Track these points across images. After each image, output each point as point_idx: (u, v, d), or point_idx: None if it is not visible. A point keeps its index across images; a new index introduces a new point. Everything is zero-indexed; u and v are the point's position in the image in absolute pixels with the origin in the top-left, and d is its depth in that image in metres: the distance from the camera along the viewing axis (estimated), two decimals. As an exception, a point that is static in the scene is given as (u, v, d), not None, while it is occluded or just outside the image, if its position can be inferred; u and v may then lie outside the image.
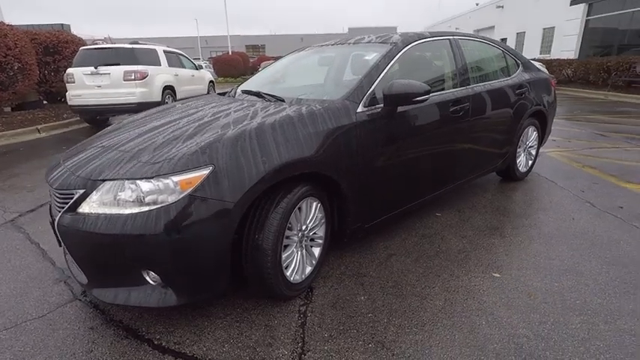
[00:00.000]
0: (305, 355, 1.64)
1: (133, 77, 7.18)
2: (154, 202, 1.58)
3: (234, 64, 27.09)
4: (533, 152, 3.85)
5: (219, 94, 2.99)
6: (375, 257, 2.42)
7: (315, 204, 2.06)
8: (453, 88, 2.78)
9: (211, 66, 26.46)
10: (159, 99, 7.62)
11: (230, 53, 30.42)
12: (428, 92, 2.16)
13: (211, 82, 11.24)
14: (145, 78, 7.32)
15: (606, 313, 1.84)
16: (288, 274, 1.93)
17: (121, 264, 1.65)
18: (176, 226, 1.56)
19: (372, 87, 2.24)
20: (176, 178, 1.60)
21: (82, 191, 1.68)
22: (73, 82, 7.24)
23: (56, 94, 10.24)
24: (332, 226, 2.29)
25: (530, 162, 3.86)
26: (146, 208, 1.57)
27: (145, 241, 1.55)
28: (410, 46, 2.56)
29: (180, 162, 1.63)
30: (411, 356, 1.62)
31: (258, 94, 2.57)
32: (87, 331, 1.85)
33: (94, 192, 1.66)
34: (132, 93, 7.18)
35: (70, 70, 7.26)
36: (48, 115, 8.73)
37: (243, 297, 2.04)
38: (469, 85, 2.88)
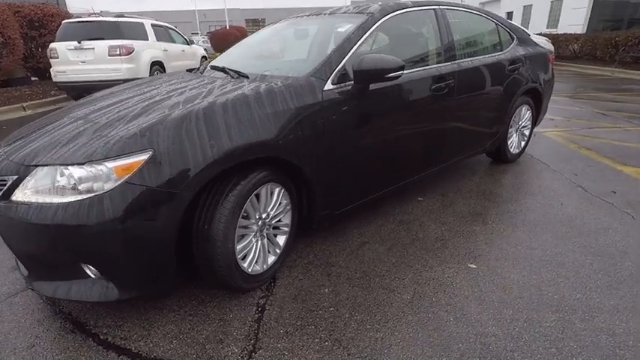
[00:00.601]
0: (255, 353, 1.54)
1: (118, 52, 6.91)
2: (89, 191, 1.44)
3: (231, 39, 26.40)
4: (527, 132, 3.66)
5: (188, 70, 2.80)
6: (346, 245, 2.29)
7: (277, 190, 1.91)
8: (437, 63, 2.56)
9: (209, 41, 25.81)
10: (147, 75, 7.36)
11: (227, 27, 29.62)
12: (402, 68, 1.96)
13: (204, 57, 10.90)
14: (130, 53, 7.05)
15: (584, 310, 1.72)
16: (245, 265, 1.80)
17: (58, 256, 1.53)
18: (112, 216, 1.41)
19: (343, 62, 2.04)
20: (110, 164, 1.44)
21: (14, 177, 1.53)
22: (57, 58, 6.99)
23: (44, 71, 9.96)
24: (300, 213, 2.15)
25: (522, 143, 3.67)
26: (79, 197, 1.43)
27: (77, 233, 1.42)
28: (388, 16, 2.34)
29: (115, 146, 1.47)
30: (368, 356, 1.51)
31: (223, 70, 2.37)
32: (33, 323, 1.75)
33: (28, 178, 1.52)
34: (117, 69, 6.93)
35: (52, 45, 6.99)
36: (35, 91, 8.51)
37: (201, 288, 1.92)
38: (455, 60, 2.66)
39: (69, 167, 1.45)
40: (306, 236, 2.36)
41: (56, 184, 1.47)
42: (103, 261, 1.49)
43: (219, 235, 1.62)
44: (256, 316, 1.74)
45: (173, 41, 8.95)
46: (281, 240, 2.06)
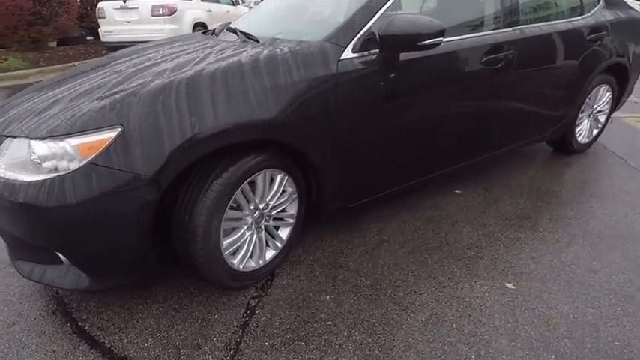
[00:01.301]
0: (232, 368, 1.34)
1: (160, 12, 6.81)
2: (53, 170, 1.26)
3: None
4: (602, 119, 3.02)
5: (203, 32, 2.52)
6: (361, 242, 2.00)
7: (279, 177, 1.64)
8: (494, 29, 2.07)
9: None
10: (188, 37, 7.23)
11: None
12: (441, 33, 1.55)
13: (250, 19, 10.56)
14: (173, 13, 6.93)
15: (656, 367, 1.31)
16: (234, 261, 1.58)
17: (30, 239, 1.40)
18: (73, 201, 1.23)
19: (369, 24, 1.65)
20: (73, 142, 1.24)
21: None
22: (104, 18, 7.06)
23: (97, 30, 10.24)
24: (310, 203, 1.87)
25: (595, 131, 3.05)
26: (42, 177, 1.25)
27: (40, 216, 1.26)
28: (435, -33, 1.88)
29: (79, 121, 1.26)
30: (361, 393, 1.25)
31: (235, 32, 2.07)
32: (20, 298, 1.67)
33: (1, 148, 1.37)
34: (160, 30, 6.84)
35: (100, 5, 7.04)
36: (88, 51, 8.76)
37: (192, 278, 1.74)
38: (517, 26, 2.13)
39: (31, 142, 1.27)
40: (318, 228, 2.09)
41: (24, 159, 1.30)
42: (68, 248, 1.33)
43: (199, 227, 1.39)
44: (243, 320, 1.53)
45: (217, 1, 8.70)
46: (284, 233, 1.81)
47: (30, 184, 1.25)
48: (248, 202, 1.56)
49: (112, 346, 1.44)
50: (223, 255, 1.50)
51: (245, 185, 1.50)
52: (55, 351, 1.42)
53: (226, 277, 1.55)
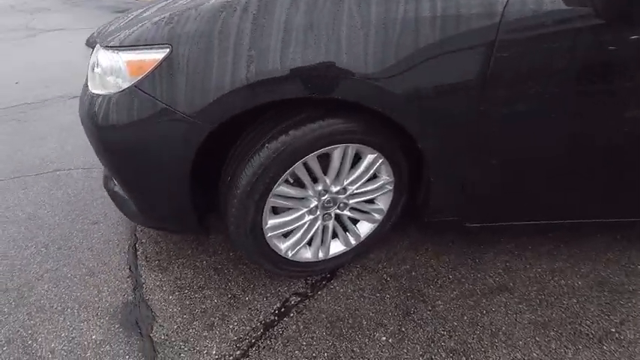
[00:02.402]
0: (227, 376, 1.08)
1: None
2: (113, 86, 1.11)
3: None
4: None
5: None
6: (470, 278, 1.38)
7: (370, 158, 1.17)
8: None
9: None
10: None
11: None
12: None
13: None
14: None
15: None
16: (282, 245, 1.25)
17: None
18: (115, 123, 1.07)
19: None
20: (124, 56, 1.04)
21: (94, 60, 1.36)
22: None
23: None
24: (412, 200, 1.36)
25: None
26: (101, 91, 1.12)
27: (92, 133, 1.15)
28: None
29: (134, 34, 1.04)
30: None
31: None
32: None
33: (97, 59, 1.32)
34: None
35: None
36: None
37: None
38: None
39: (99, 52, 1.14)
40: (417, 232, 1.56)
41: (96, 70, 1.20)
42: (114, 174, 1.22)
43: (236, 196, 1.08)
44: (270, 318, 1.24)
45: None
46: (363, 228, 1.37)
47: (92, 96, 1.14)
48: (315, 180, 1.17)
49: (144, 283, 1.37)
50: (265, 235, 1.19)
51: (312, 158, 1.09)
52: (106, 263, 1.44)
53: (265, 260, 1.25)
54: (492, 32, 0.92)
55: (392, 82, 0.95)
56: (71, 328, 1.21)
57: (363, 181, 1.23)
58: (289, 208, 1.20)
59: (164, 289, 1.34)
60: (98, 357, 1.13)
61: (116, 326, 1.22)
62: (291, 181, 1.16)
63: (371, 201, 1.33)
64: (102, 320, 1.24)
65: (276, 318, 1.24)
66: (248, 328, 1.21)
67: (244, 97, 0.96)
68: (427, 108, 1.00)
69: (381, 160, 1.20)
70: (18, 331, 1.20)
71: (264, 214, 1.13)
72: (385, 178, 1.26)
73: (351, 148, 1.12)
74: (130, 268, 1.42)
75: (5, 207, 1.76)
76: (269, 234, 1.19)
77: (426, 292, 1.33)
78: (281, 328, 1.21)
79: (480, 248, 1.50)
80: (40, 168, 2.06)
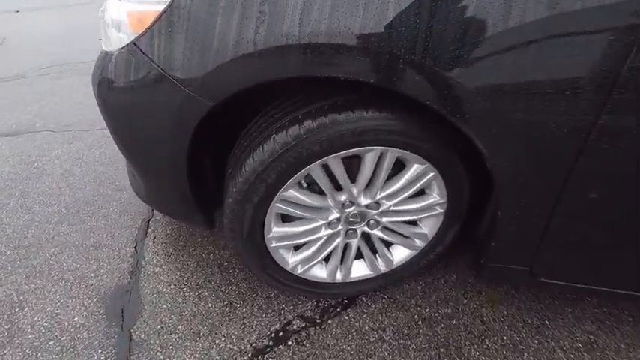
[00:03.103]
0: (194, 406, 0.89)
1: None
2: (116, 41, 0.95)
3: None
4: None
5: None
6: (531, 347, 1.03)
7: (418, 169, 0.87)
8: None
9: None
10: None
11: None
12: None
13: None
14: None
15: None
16: (290, 259, 1.01)
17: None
18: (113, 84, 0.91)
19: None
20: (126, 6, 0.86)
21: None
22: None
23: None
24: (468, 230, 1.04)
25: None
26: (106, 48, 0.97)
27: (96, 91, 1.01)
28: None
29: (138, -25, 0.85)
30: None
31: None
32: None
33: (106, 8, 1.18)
34: None
35: None
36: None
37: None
38: None
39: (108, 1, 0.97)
40: (467, 265, 1.22)
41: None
42: (116, 139, 1.07)
43: (231, 195, 0.86)
44: (263, 343, 1.03)
45: None
46: (399, 254, 1.08)
47: (101, 54, 0.99)
48: (338, 188, 0.90)
49: (143, 267, 1.24)
50: (268, 245, 0.96)
51: (334, 160, 0.82)
52: (114, 236, 1.35)
53: (265, 273, 1.02)
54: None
55: (465, 71, 0.64)
56: (58, 304, 1.12)
57: (404, 196, 0.94)
58: (300, 219, 0.96)
59: (161, 278, 1.20)
60: (72, 343, 1.02)
61: (101, 311, 1.10)
62: (305, 186, 0.91)
63: (413, 222, 1.04)
64: (90, 301, 1.13)
65: (270, 343, 1.02)
66: (235, 349, 1.01)
67: (250, 68, 0.73)
68: (510, 113, 0.67)
69: (432, 174, 0.89)
70: (11, 294, 1.15)
71: (266, 220, 0.90)
72: (435, 197, 0.95)
73: (391, 154, 0.83)
74: (135, 247, 1.31)
75: (48, 159, 1.77)
76: (273, 244, 0.96)
77: (466, 353, 1.01)
78: (272, 358, 0.99)
79: (554, 305, 1.13)
80: (93, 124, 2.07)
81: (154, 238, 1.34)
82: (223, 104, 0.80)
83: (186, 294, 1.15)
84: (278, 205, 0.87)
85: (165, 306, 1.12)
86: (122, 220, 1.41)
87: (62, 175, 1.66)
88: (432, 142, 0.82)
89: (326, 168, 0.84)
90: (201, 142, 0.90)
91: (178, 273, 1.22)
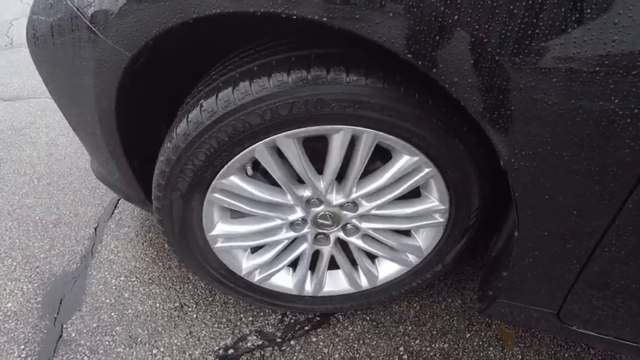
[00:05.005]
0: None
1: None
2: None
3: None
4: None
5: None
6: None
7: (409, 161, 0.64)
8: None
9: None
10: None
11: None
12: None
13: None
14: None
15: None
16: (245, 264, 0.81)
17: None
18: (36, 33, 0.74)
19: None
20: None
21: None
22: None
23: None
24: (476, 246, 0.79)
25: None
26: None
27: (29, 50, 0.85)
28: None
29: None
30: None
31: None
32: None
33: None
34: None
35: None
36: None
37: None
38: None
39: None
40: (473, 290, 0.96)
41: None
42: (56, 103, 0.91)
43: (154, 186, 0.67)
44: (215, 355, 0.84)
45: None
46: (385, 270, 0.86)
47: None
48: (297, 179, 0.68)
49: (97, 252, 1.09)
50: (211, 245, 0.76)
51: (286, 139, 0.60)
52: (77, 214, 1.21)
53: (211, 278, 0.83)
54: None
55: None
56: (-4, 285, 1.00)
57: (389, 197, 0.70)
58: (252, 216, 0.75)
59: (113, 267, 1.05)
60: (-3, 333, 0.89)
61: (38, 299, 0.97)
62: (250, 174, 0.69)
63: (404, 232, 0.80)
64: (29, 286, 1.00)
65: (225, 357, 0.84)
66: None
67: (164, 3, 0.52)
68: (540, 97, 0.42)
69: (427, 171, 0.65)
70: (-49, 269, 1.05)
71: (204, 214, 0.70)
72: (433, 202, 0.71)
73: (366, 137, 0.60)
74: (95, 228, 1.16)
75: (37, 126, 1.68)
76: (219, 243, 0.76)
77: (461, 407, 0.77)
78: (212, 382, 0.81)
79: (587, 355, 0.85)
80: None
81: (118, 220, 1.19)
82: (152, 57, 0.60)
83: (134, 289, 0.99)
84: (216, 195, 0.67)
85: (108, 301, 0.96)
86: (90, 198, 1.28)
87: (45, 144, 1.55)
88: (425, 124, 0.58)
89: (277, 150, 0.63)
90: (137, 107, 0.71)
91: (133, 263, 1.06)
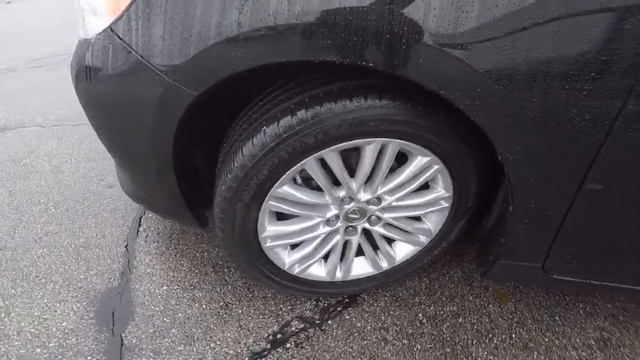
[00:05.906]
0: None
1: None
2: (93, 28, 0.88)
3: None
4: None
5: None
6: (541, 344, 0.98)
7: (422, 161, 0.81)
8: None
9: None
10: None
11: None
12: None
13: None
14: None
15: None
16: (287, 259, 0.96)
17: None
18: (90, 75, 0.84)
19: None
20: (101, -13, 0.79)
21: None
22: None
23: None
24: (476, 223, 0.98)
25: None
26: (83, 35, 0.90)
27: (75, 84, 0.94)
28: None
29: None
30: None
31: None
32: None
33: None
34: None
35: None
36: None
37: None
38: None
39: None
40: (473, 260, 1.17)
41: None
42: (100, 137, 1.01)
43: (220, 193, 0.80)
44: (258, 347, 0.98)
45: None
46: (401, 251, 1.03)
47: (78, 43, 0.92)
48: (335, 183, 0.84)
49: (135, 267, 1.19)
50: (262, 245, 0.90)
51: (330, 153, 0.76)
52: (105, 235, 1.29)
53: (260, 274, 0.97)
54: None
55: (476, 50, 0.57)
56: (46, 308, 1.07)
57: (406, 191, 0.87)
58: (298, 216, 0.90)
59: (153, 279, 1.15)
60: (61, 350, 0.97)
61: (90, 315, 1.05)
62: (299, 182, 0.84)
63: (416, 218, 0.98)
64: (79, 305, 1.08)
65: (267, 346, 0.98)
66: (231, 353, 0.96)
67: (235, 53, 0.66)
68: (524, 99, 0.60)
69: (437, 167, 0.83)
70: (-4, 299, 1.10)
71: (259, 219, 0.84)
72: (440, 191, 0.89)
73: (392, 145, 0.77)
74: (126, 246, 1.25)
75: (36, 155, 1.71)
76: (268, 243, 0.90)
77: (473, 353, 0.96)
78: (270, 362, 0.95)
79: (564, 301, 1.07)
80: (83, 117, 1.99)
81: (146, 236, 1.29)
82: (211, 94, 0.73)
83: (179, 295, 1.10)
84: (272, 203, 0.81)
85: (157, 308, 1.07)
86: (113, 219, 1.36)
87: (51, 172, 1.60)
88: (437, 133, 0.76)
89: (322, 162, 0.78)
90: (189, 135, 0.84)
91: (171, 273, 1.16)
